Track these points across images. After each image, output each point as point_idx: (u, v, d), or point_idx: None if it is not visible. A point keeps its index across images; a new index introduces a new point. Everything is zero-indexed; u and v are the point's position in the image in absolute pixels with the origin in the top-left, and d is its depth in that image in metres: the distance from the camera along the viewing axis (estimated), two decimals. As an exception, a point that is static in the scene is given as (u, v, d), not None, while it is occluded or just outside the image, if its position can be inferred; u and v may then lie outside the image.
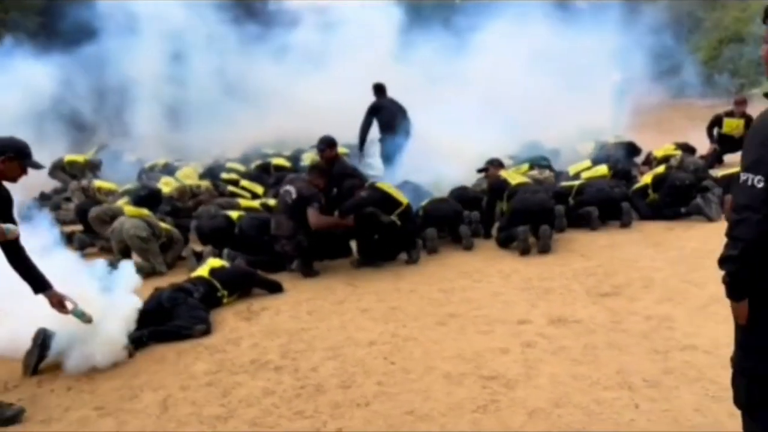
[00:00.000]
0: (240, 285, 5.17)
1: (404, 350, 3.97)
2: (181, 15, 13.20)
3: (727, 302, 2.20)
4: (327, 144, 6.69)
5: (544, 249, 5.89)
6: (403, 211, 5.88)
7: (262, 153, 11.96)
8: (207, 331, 4.45)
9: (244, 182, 8.92)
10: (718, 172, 7.99)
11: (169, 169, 10.35)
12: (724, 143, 9.90)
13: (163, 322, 4.46)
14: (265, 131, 12.93)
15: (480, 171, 7.24)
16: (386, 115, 8.91)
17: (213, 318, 4.72)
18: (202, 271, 5.06)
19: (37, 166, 3.72)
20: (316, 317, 4.69)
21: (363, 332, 4.32)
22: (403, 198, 5.99)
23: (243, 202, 7.68)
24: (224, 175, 9.47)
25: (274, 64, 14.12)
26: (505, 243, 6.15)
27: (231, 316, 4.81)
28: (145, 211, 6.66)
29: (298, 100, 12.61)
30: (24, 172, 3.62)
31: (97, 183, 8.69)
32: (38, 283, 3.61)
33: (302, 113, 12.48)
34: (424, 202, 6.76)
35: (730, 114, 9.99)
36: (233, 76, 13.65)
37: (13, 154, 3.53)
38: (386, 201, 5.85)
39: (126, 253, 6.18)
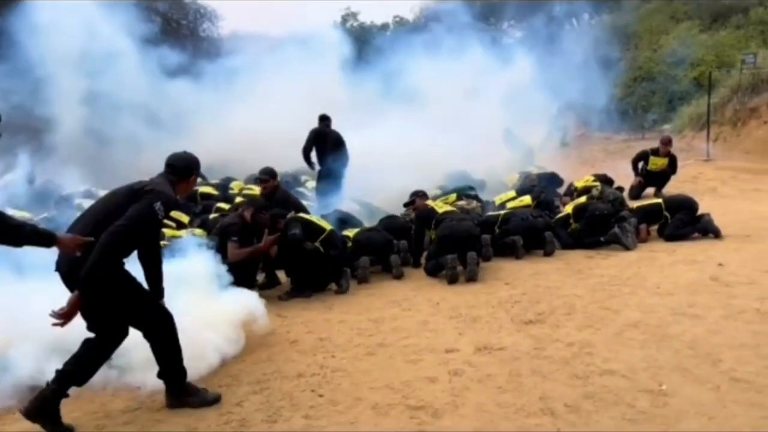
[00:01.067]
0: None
1: (332, 382, 3.93)
2: (106, 36, 12.87)
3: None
4: (269, 174, 6.72)
5: (472, 277, 6.00)
6: (326, 238, 5.88)
7: None
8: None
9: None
10: (634, 204, 8.42)
11: (90, 197, 9.93)
12: (646, 177, 10.50)
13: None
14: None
15: (406, 205, 7.36)
16: (326, 144, 9.10)
17: (133, 353, 4.52)
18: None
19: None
20: (242, 350, 4.57)
21: (291, 364, 4.25)
22: (325, 225, 6.00)
23: (168, 231, 7.46)
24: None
25: (203, 91, 13.96)
26: (433, 271, 6.23)
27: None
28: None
29: (226, 127, 12.48)
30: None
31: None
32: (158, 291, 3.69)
33: (232, 140, 12.35)
34: (353, 232, 6.78)
35: (655, 152, 10.60)
36: (159, 101, 13.36)
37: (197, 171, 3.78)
38: (308, 229, 5.85)
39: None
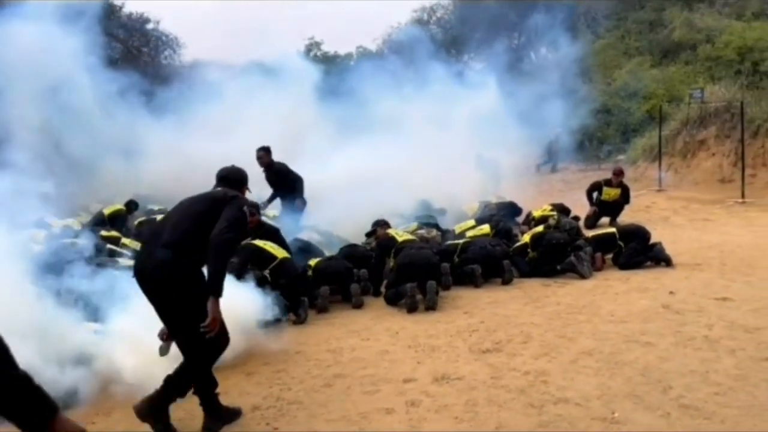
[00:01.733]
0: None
1: (288, 414, 3.87)
2: (60, 57, 12.62)
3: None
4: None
5: (431, 306, 6.02)
6: (275, 266, 5.84)
7: (147, 209, 11.51)
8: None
9: (125, 240, 8.49)
10: (589, 233, 8.61)
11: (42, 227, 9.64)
12: (600, 207, 10.76)
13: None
14: (148, 185, 12.53)
15: (368, 235, 7.38)
16: (275, 175, 9.02)
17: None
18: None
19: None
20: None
21: (246, 397, 4.17)
22: (279, 252, 5.96)
23: (123, 261, 7.30)
24: (104, 233, 8.96)
25: (161, 116, 13.82)
26: (393, 300, 6.24)
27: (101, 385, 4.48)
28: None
29: (185, 153, 12.35)
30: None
31: None
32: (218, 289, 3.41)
33: (191, 166, 12.20)
34: (314, 261, 6.75)
35: (608, 182, 10.90)
36: (114, 129, 13.15)
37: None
38: (259, 256, 5.82)
39: None
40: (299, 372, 4.61)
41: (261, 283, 5.66)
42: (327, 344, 5.22)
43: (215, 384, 3.69)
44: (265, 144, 8.94)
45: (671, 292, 6.20)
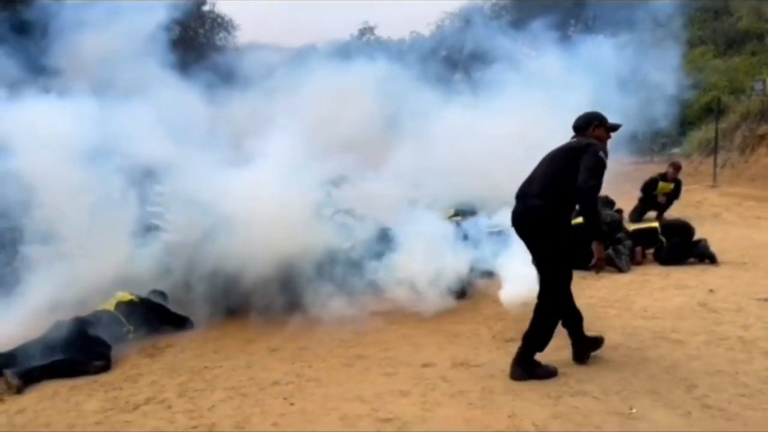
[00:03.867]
0: (148, 320, 5.04)
1: (306, 391, 3.95)
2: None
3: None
4: None
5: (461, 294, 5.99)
6: None
7: None
8: (105, 368, 4.32)
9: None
10: (631, 227, 8.37)
11: None
12: (648, 201, 10.43)
13: (61, 356, 4.30)
14: None
15: None
16: None
17: (115, 354, 4.58)
18: (108, 304, 4.92)
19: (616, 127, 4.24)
20: (222, 356, 4.61)
21: (267, 372, 4.28)
22: None
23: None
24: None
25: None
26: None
27: (134, 353, 4.69)
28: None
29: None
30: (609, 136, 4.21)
31: None
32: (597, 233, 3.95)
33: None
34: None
35: (663, 176, 10.55)
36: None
37: (598, 122, 4.15)
38: None
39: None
40: (322, 350, 4.68)
41: None
42: (353, 325, 5.27)
43: (580, 318, 4.22)
44: None
45: (711, 290, 5.99)
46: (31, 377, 4.06)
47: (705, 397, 3.68)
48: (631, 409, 3.56)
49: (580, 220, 7.71)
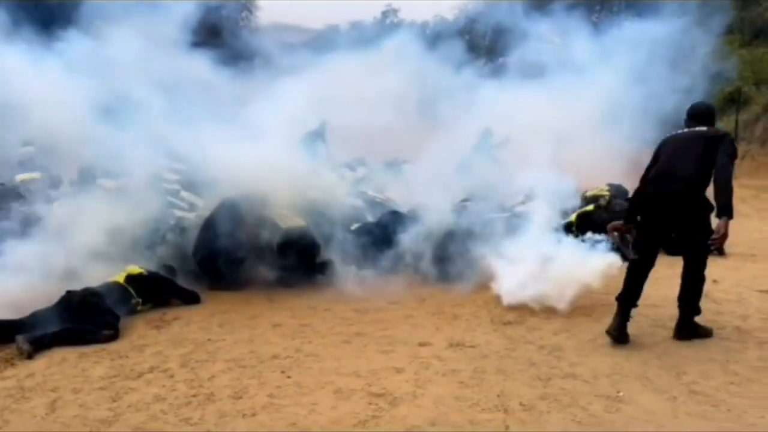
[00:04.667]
0: (156, 293, 5.20)
1: (303, 365, 4.07)
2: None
3: None
4: None
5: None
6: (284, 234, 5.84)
7: None
8: (113, 337, 4.48)
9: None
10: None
11: None
12: None
13: (71, 325, 4.47)
14: None
15: None
16: None
17: (123, 324, 4.74)
18: (118, 277, 5.09)
19: None
20: (226, 329, 4.75)
21: (268, 346, 4.41)
22: (286, 222, 5.96)
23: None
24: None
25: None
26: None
27: (142, 324, 4.84)
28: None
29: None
30: None
31: None
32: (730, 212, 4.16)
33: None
34: (354, 227, 6.90)
35: None
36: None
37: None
38: (269, 225, 5.91)
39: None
40: (323, 327, 4.80)
41: (264, 252, 5.83)
42: (356, 304, 5.38)
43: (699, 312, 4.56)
44: None
45: (714, 281, 5.98)
46: (41, 344, 4.23)
47: (693, 384, 3.73)
48: (618, 392, 3.63)
49: (590, 208, 7.75)
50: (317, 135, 10.98)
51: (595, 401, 3.53)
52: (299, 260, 5.86)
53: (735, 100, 15.40)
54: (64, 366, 4.04)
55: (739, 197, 11.13)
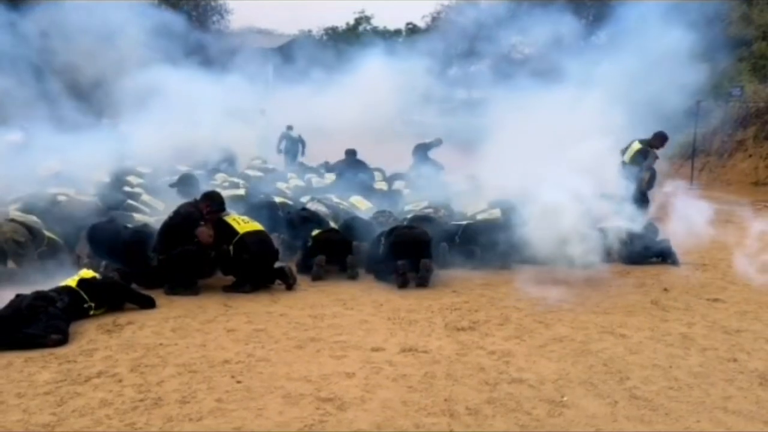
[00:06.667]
0: (109, 298, 5.15)
1: (254, 370, 4.07)
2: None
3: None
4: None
5: (422, 283, 6.13)
6: (238, 240, 5.85)
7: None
8: (62, 341, 4.42)
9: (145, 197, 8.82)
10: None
11: None
12: None
13: (20, 329, 4.40)
14: None
15: None
16: None
17: (75, 329, 4.69)
18: (71, 281, 5.02)
19: None
20: (179, 334, 4.72)
21: (220, 351, 4.39)
22: (242, 228, 5.94)
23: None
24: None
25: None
26: (382, 275, 6.35)
27: (93, 328, 4.78)
28: (32, 217, 6.55)
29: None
30: None
31: None
32: None
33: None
34: (315, 232, 6.92)
35: None
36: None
37: None
38: (225, 231, 5.90)
39: (1, 258, 6.03)
40: (277, 333, 4.81)
41: (223, 258, 5.85)
42: (312, 310, 5.40)
43: None
44: None
45: (665, 289, 6.16)
46: (-12, 348, 4.16)
47: (635, 389, 3.84)
48: (562, 397, 3.72)
49: (496, 213, 7.85)
50: (427, 147, 12.28)
51: (539, 406, 3.61)
52: (256, 265, 5.85)
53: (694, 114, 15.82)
54: (9, 370, 3.97)
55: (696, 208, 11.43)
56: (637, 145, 9.98)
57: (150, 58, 13.30)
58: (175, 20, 15.00)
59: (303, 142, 15.59)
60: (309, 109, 14.55)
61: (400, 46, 18.94)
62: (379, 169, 12.26)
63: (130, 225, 6.85)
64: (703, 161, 14.44)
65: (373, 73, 14.59)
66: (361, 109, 13.57)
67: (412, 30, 34.79)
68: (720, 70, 19.52)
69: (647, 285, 6.39)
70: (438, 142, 12.83)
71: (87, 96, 13.88)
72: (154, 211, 8.52)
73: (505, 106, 11.10)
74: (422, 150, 12.61)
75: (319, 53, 20.16)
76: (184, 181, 7.02)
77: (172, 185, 7.21)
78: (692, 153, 13.80)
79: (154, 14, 14.52)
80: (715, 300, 5.79)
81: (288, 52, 22.56)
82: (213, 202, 6.02)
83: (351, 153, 12.36)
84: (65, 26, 12.14)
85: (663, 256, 7.47)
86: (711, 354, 4.44)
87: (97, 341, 4.53)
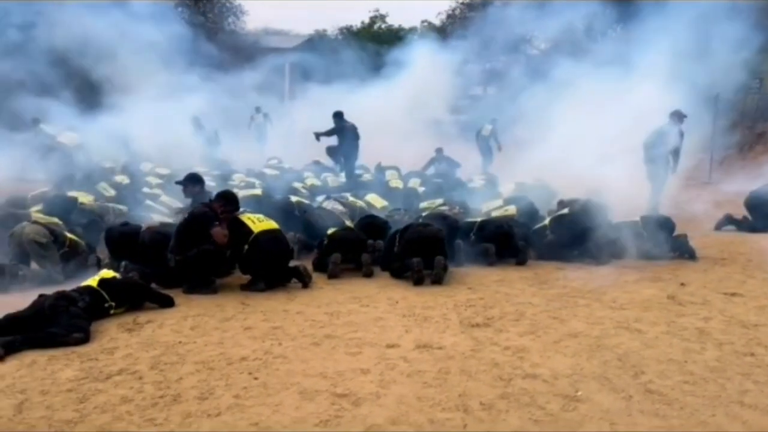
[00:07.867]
0: (129, 297, 5.25)
1: (271, 367, 4.13)
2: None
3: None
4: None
5: (437, 280, 6.16)
6: (252, 240, 5.89)
7: None
8: (84, 340, 4.51)
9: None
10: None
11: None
12: None
13: (42, 329, 4.51)
14: None
15: None
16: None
17: (96, 327, 4.78)
18: (92, 281, 5.13)
19: None
20: (197, 332, 4.80)
21: (238, 348, 4.46)
22: (256, 227, 5.97)
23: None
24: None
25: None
26: (398, 273, 6.39)
27: (114, 327, 4.88)
28: (53, 219, 6.68)
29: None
30: None
31: None
32: None
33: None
34: (331, 230, 6.98)
35: None
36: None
37: None
38: (240, 230, 5.93)
39: (24, 259, 6.17)
40: (293, 330, 4.86)
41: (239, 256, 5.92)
42: (328, 307, 5.45)
43: None
44: None
45: (682, 284, 6.12)
46: (12, 347, 4.26)
47: (650, 383, 3.83)
48: (576, 392, 3.73)
49: (512, 210, 7.83)
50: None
51: (553, 400, 3.62)
52: (269, 264, 5.92)
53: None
54: (33, 368, 4.07)
55: (714, 202, 11.35)
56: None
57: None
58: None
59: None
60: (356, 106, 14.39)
61: (438, 44, 18.95)
62: (395, 167, 12.32)
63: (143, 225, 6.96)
64: (723, 154, 14.27)
65: (421, 71, 15.23)
66: (409, 105, 14.27)
67: (428, 28, 34.71)
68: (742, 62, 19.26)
69: (664, 280, 6.36)
70: (493, 122, 14.85)
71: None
72: (172, 211, 8.66)
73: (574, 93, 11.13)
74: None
75: (354, 52, 20.56)
76: (190, 180, 7.11)
77: (177, 182, 7.35)
78: (711, 146, 13.63)
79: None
80: (733, 294, 5.74)
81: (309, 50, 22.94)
82: (227, 201, 6.10)
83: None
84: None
85: (680, 250, 7.42)
86: (728, 348, 4.42)
87: (118, 339, 4.62)
